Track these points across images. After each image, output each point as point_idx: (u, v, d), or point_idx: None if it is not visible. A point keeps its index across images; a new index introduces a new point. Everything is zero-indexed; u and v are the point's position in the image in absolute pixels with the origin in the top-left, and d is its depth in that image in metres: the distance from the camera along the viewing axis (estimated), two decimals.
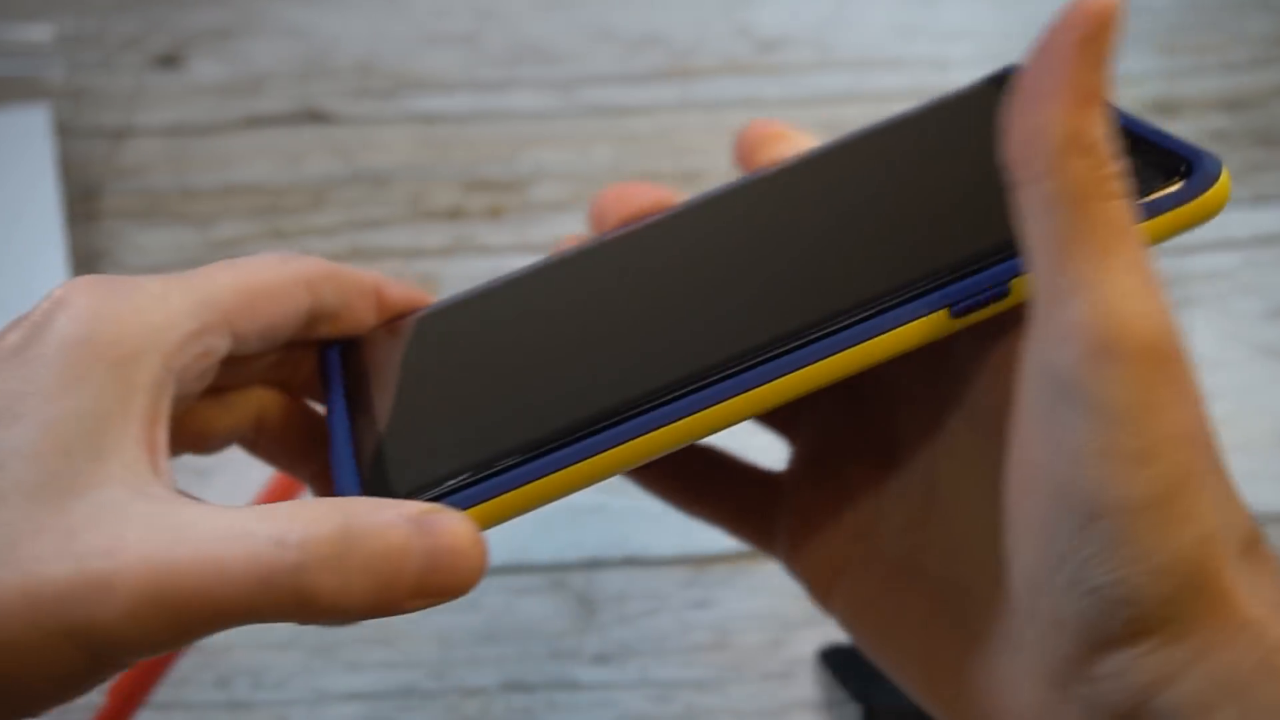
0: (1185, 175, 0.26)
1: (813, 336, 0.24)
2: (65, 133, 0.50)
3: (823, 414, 0.31)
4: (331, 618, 0.21)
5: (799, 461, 0.31)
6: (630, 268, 0.29)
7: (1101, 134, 0.21)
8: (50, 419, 0.21)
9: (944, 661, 0.26)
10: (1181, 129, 0.50)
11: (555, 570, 0.40)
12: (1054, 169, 0.21)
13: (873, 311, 0.24)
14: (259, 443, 0.29)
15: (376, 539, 0.21)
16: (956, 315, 0.25)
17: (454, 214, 0.49)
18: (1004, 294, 0.25)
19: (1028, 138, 0.21)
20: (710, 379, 0.24)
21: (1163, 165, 0.27)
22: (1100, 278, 0.20)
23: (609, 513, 0.42)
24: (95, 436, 0.21)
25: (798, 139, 0.31)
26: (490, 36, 0.55)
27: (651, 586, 0.40)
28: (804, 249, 0.27)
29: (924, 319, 0.25)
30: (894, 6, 0.56)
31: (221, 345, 0.25)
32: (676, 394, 0.24)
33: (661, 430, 0.24)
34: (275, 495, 0.41)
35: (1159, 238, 0.25)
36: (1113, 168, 0.21)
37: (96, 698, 0.36)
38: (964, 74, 0.58)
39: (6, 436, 0.21)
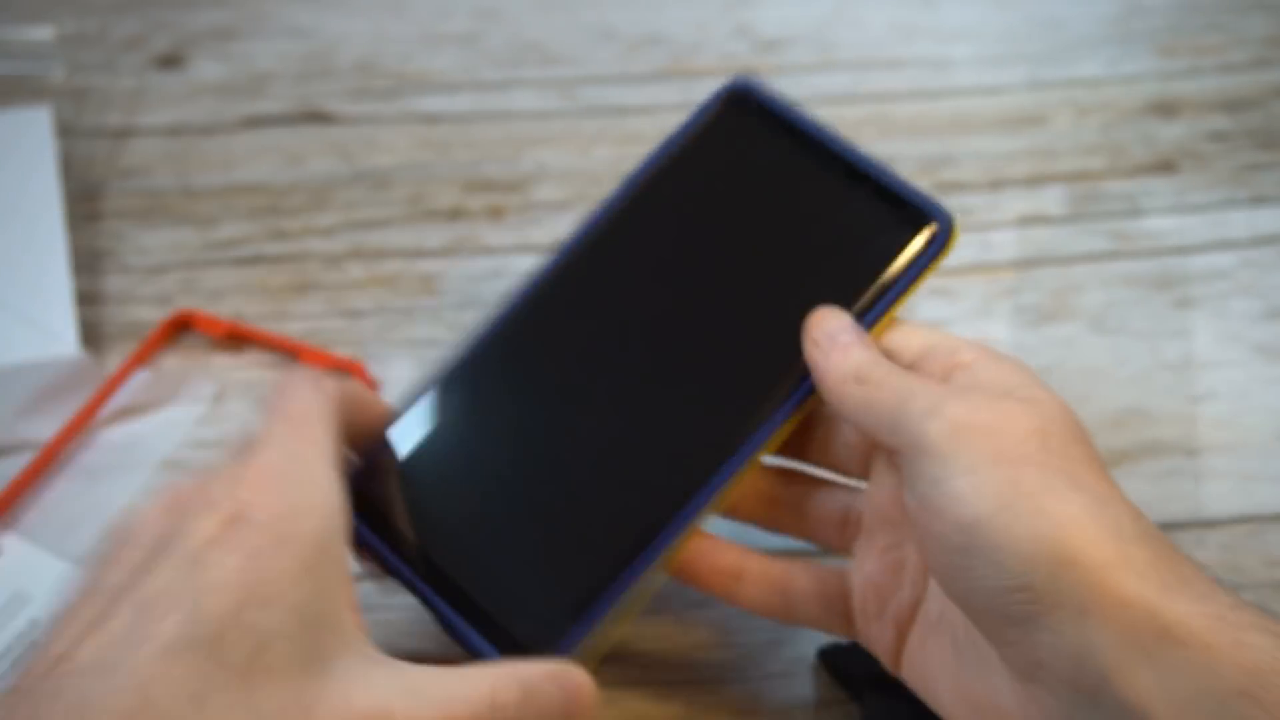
0: (927, 226, 0.33)
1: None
2: (67, 133, 0.51)
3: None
4: None
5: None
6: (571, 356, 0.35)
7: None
8: (295, 603, 0.26)
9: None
10: (1180, 130, 0.51)
11: None
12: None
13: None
14: None
15: (542, 697, 0.28)
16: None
17: (455, 214, 0.49)
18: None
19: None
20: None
21: (906, 217, 0.33)
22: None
23: None
24: (326, 615, 0.27)
25: None
26: (491, 36, 0.55)
27: None
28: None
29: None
30: (894, 6, 0.56)
31: None
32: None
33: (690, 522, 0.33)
34: None
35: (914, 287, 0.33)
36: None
37: None
38: (964, 74, 0.58)
39: (265, 618, 0.25)
